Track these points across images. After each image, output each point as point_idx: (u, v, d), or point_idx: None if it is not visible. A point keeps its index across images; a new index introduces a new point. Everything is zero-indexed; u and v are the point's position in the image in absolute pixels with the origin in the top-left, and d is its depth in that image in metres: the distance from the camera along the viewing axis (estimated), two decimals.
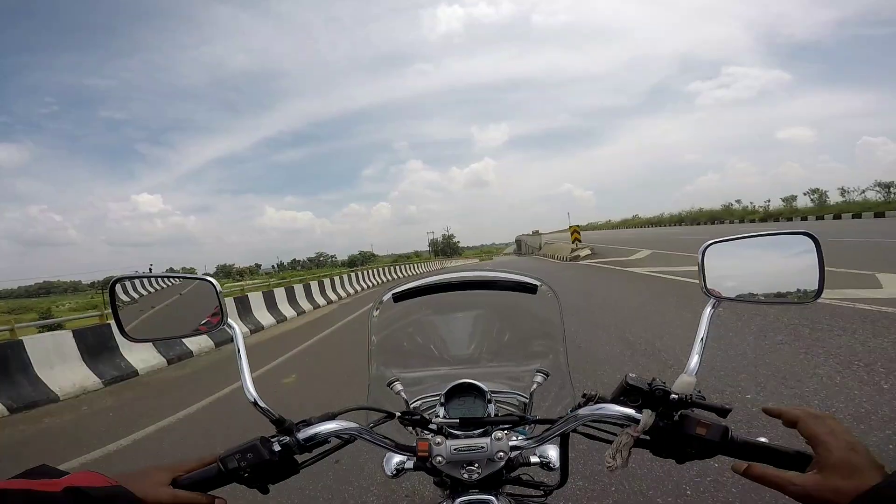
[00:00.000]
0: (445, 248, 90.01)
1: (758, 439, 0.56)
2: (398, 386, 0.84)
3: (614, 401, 0.62)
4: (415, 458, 0.68)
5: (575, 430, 0.67)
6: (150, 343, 6.52)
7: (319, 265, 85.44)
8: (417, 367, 0.93)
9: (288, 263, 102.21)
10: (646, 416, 0.58)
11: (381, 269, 23.90)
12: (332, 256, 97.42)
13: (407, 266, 30.82)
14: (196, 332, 0.83)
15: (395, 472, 0.78)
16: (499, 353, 0.92)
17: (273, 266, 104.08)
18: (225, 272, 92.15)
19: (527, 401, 0.84)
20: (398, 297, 0.85)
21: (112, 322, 4.46)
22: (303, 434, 0.64)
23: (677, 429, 0.57)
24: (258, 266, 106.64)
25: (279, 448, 0.62)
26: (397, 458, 0.77)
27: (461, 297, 0.89)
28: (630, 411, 0.60)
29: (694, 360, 0.63)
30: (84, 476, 0.50)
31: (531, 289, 0.82)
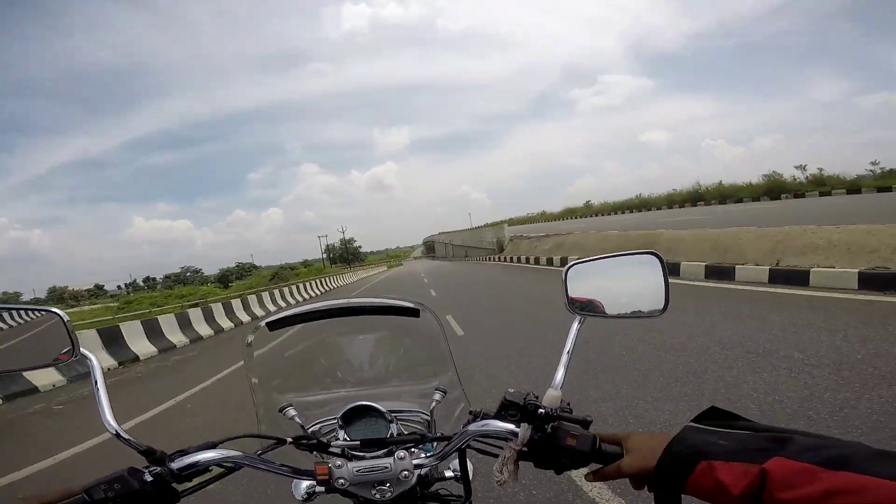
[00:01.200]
0: (345, 255, 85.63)
1: None
2: (291, 411, 0.87)
3: (497, 416, 0.69)
4: (317, 483, 0.72)
5: (469, 446, 0.74)
6: None
7: (185, 282, 76.35)
8: (312, 390, 0.95)
9: (143, 281, 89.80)
10: (523, 430, 0.65)
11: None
12: (198, 271, 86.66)
13: (264, 297, 16.97)
14: (46, 364, 0.86)
15: (304, 497, 0.81)
16: (396, 373, 0.98)
17: (121, 286, 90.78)
18: (56, 296, 78.16)
19: (429, 418, 0.91)
20: (273, 326, 0.85)
21: None
22: (178, 464, 0.65)
23: (551, 441, 0.64)
24: (100, 287, 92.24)
25: (151, 478, 0.63)
26: (307, 483, 0.80)
27: (351, 321, 0.92)
28: (510, 426, 0.67)
29: (560, 373, 0.71)
30: None
31: (413, 312, 0.87)
